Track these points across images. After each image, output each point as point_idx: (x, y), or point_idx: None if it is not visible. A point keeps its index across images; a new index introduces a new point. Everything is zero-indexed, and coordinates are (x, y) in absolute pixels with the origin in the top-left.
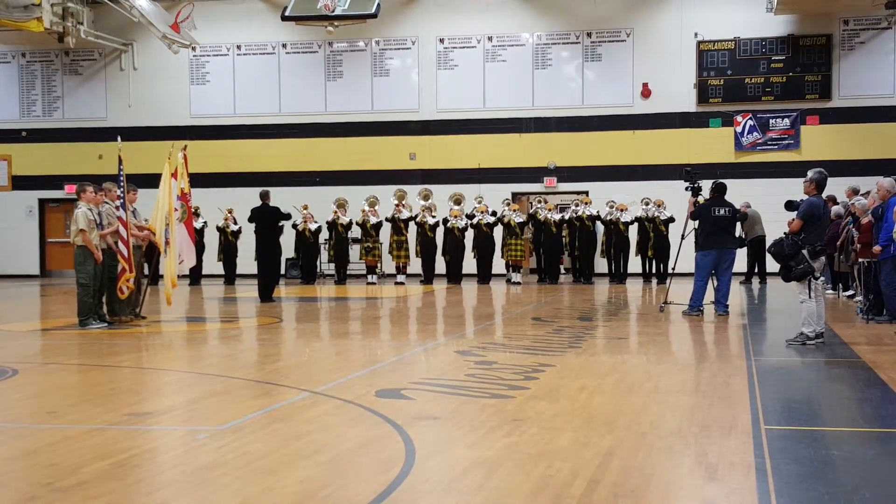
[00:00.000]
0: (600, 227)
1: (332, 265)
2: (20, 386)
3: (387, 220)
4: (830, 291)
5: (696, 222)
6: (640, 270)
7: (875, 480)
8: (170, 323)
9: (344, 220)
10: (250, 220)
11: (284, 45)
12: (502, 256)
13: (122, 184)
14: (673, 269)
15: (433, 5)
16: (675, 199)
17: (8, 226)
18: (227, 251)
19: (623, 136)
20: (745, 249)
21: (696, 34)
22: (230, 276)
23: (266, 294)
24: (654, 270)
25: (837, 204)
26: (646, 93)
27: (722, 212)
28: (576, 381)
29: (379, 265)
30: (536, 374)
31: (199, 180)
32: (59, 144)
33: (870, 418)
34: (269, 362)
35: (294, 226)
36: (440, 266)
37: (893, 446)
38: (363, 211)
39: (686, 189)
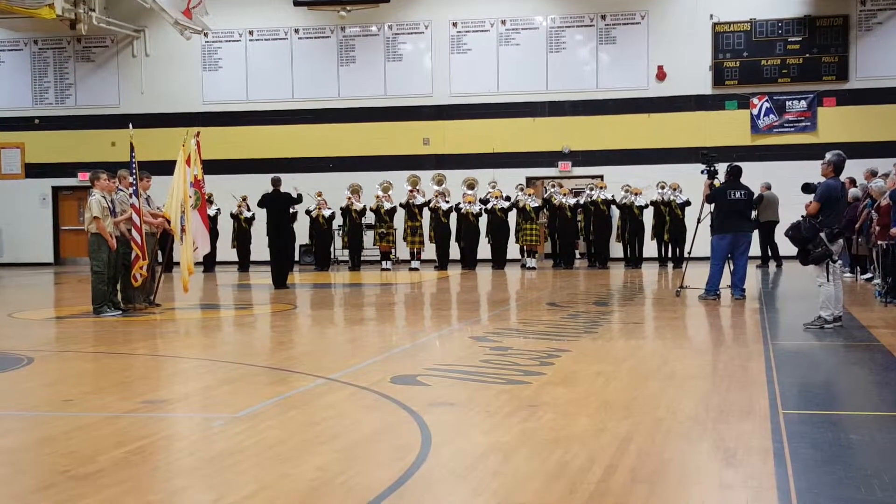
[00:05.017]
0: (615, 212)
1: (346, 251)
2: (36, 374)
3: (401, 205)
4: (848, 274)
5: (712, 206)
6: (655, 255)
7: (894, 464)
8: (184, 310)
9: (358, 206)
10: (260, 204)
11: (297, 31)
12: (517, 241)
13: (134, 171)
14: (689, 253)
15: None
16: (690, 182)
17: (22, 214)
18: (241, 238)
19: (638, 120)
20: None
21: (711, 15)
22: (244, 263)
23: (280, 281)
24: (669, 254)
25: (856, 186)
26: (661, 75)
27: (737, 195)
28: (592, 366)
29: (393, 251)
30: (552, 359)
31: (212, 167)
32: (71, 132)
33: (888, 402)
34: (284, 349)
35: (308, 212)
36: (454, 252)
37: None
38: (377, 197)
39: (702, 172)
